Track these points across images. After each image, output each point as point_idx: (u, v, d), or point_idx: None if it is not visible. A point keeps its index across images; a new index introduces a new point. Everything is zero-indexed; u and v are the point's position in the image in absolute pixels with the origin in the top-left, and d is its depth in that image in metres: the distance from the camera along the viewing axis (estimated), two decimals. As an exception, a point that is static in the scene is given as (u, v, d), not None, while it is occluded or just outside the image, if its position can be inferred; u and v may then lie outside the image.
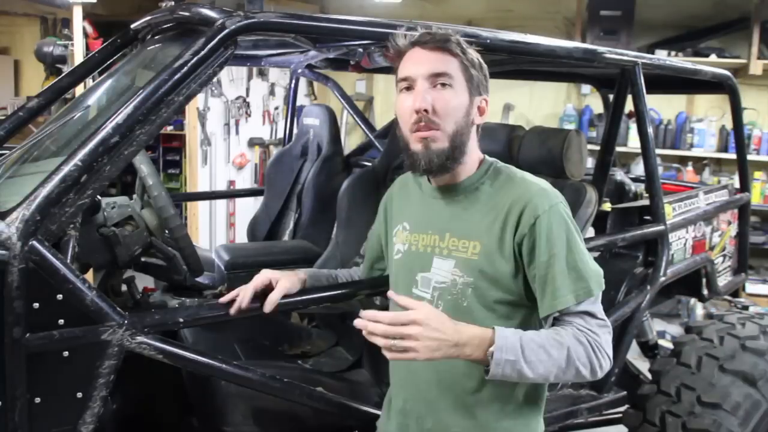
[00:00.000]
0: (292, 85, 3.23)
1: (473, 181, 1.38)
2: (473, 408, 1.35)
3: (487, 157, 1.42)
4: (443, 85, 1.30)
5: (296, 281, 1.53)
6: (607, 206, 2.30)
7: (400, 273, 1.44)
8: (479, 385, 1.34)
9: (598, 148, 2.31)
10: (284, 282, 1.49)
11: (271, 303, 1.46)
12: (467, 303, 1.32)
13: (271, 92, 5.60)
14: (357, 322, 1.20)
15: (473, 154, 1.39)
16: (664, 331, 4.40)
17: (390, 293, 1.30)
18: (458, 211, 1.37)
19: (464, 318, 1.29)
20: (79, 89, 2.71)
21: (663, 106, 5.04)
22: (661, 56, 4.28)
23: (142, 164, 1.95)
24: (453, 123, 1.31)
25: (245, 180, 5.49)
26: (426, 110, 1.29)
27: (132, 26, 1.92)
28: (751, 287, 4.75)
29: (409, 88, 1.33)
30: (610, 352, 1.30)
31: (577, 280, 1.28)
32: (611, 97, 2.41)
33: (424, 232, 1.40)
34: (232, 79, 5.26)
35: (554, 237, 1.27)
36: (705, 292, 2.59)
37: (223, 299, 1.47)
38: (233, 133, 5.29)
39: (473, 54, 1.35)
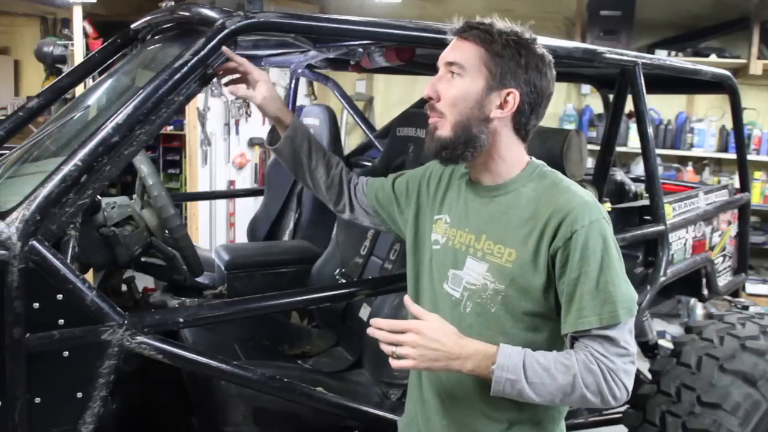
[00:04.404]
0: (292, 85, 3.22)
1: (515, 184, 1.32)
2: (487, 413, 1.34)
3: (534, 159, 1.36)
4: (452, 74, 1.30)
5: (281, 112, 1.58)
6: (607, 206, 2.29)
7: (434, 264, 1.41)
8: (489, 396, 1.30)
9: (598, 148, 2.31)
10: (263, 92, 1.56)
11: (233, 89, 1.55)
12: (495, 309, 1.28)
13: (271, 92, 5.58)
14: (368, 330, 1.23)
15: (512, 154, 1.33)
16: (664, 331, 4.41)
17: (406, 300, 1.28)
18: (497, 213, 1.32)
19: (492, 324, 1.28)
20: (79, 89, 2.71)
21: (663, 106, 5.04)
22: (661, 56, 4.28)
23: (142, 164, 1.95)
24: (457, 113, 1.29)
25: (245, 180, 5.48)
26: (431, 97, 1.31)
27: (132, 26, 1.92)
28: (751, 287, 4.75)
29: None
30: (628, 382, 1.22)
31: (604, 303, 1.20)
32: (611, 97, 2.41)
33: (462, 229, 1.37)
34: (232, 79, 5.25)
35: (588, 254, 1.20)
36: (705, 292, 2.59)
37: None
38: (233, 133, 5.28)
39: (506, 43, 1.29)
